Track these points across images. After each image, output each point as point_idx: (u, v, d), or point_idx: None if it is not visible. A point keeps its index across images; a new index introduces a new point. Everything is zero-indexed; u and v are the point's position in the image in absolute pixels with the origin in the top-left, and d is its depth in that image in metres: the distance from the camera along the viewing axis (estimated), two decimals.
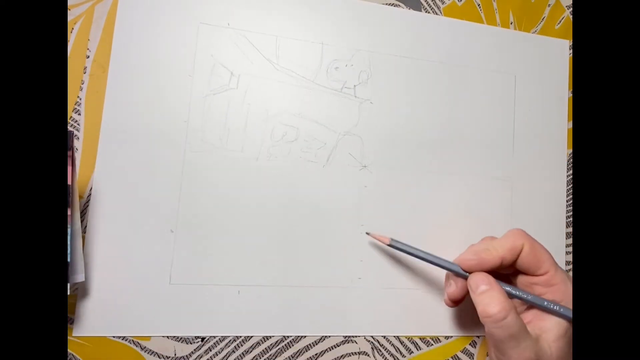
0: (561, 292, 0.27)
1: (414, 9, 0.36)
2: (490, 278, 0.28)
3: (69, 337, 0.29)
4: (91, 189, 0.29)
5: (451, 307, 0.31)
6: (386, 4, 0.35)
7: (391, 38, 0.35)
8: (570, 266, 0.37)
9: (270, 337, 0.31)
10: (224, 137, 0.31)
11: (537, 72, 0.38)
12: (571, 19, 0.39)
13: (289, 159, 0.32)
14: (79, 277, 0.27)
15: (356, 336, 0.32)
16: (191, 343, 0.30)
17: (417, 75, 0.35)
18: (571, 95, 0.39)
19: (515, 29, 0.38)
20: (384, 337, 0.33)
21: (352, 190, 0.33)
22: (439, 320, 0.34)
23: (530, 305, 0.28)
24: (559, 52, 0.39)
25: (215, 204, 0.31)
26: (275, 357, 0.31)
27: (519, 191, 0.37)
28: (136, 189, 0.30)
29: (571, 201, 0.38)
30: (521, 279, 0.29)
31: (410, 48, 0.35)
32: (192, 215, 0.30)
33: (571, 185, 0.38)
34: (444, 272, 0.32)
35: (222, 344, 0.30)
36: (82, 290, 0.29)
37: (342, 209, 0.33)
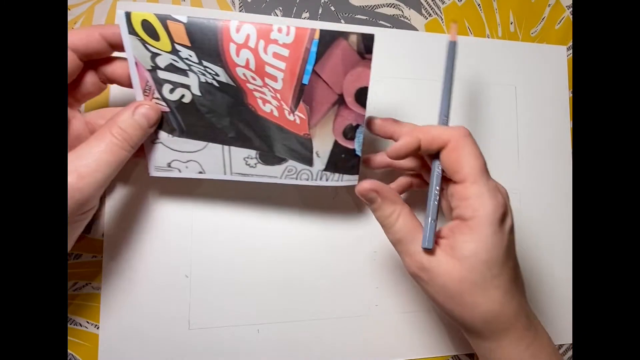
0: (471, 208, 0.23)
1: (414, 10, 0.36)
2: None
3: (69, 337, 0.29)
4: (103, 234, 0.29)
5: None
6: (385, 4, 0.35)
7: (387, 60, 0.35)
8: None
9: None
10: None
11: (537, 81, 0.38)
12: (571, 19, 0.39)
13: (299, 187, 0.32)
14: None
15: None
16: None
17: (416, 95, 0.35)
18: (571, 96, 0.39)
19: (515, 29, 0.38)
20: None
21: (364, 216, 0.33)
22: (462, 339, 0.33)
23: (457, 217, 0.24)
24: (556, 59, 0.39)
25: (227, 244, 0.31)
26: None
27: (527, 203, 0.36)
28: (148, 237, 0.30)
29: None
30: (449, 189, 0.26)
31: (409, 69, 0.35)
32: (205, 258, 0.30)
33: None
34: None
35: None
36: (104, 341, 0.29)
37: (354, 236, 0.33)
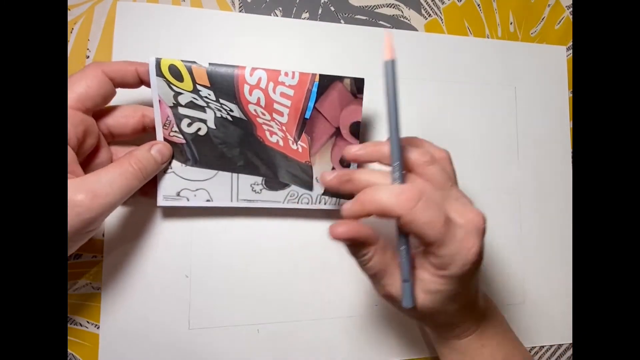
0: (442, 263, 0.23)
1: (414, 10, 0.36)
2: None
3: (69, 337, 0.29)
4: (103, 234, 0.29)
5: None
6: (385, 5, 0.35)
7: None
8: None
9: None
10: None
11: (537, 82, 0.38)
12: (571, 19, 0.39)
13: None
14: None
15: None
16: None
17: (415, 96, 0.35)
18: (571, 98, 0.39)
19: (515, 29, 0.38)
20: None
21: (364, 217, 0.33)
22: None
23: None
24: (556, 59, 0.39)
25: (227, 244, 0.31)
26: None
27: (526, 202, 0.36)
28: (148, 237, 0.30)
29: None
30: None
31: (407, 69, 0.35)
32: (205, 258, 0.30)
33: None
34: None
35: None
36: (104, 341, 0.29)
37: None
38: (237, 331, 0.30)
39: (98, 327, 0.29)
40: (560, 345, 0.36)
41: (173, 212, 0.30)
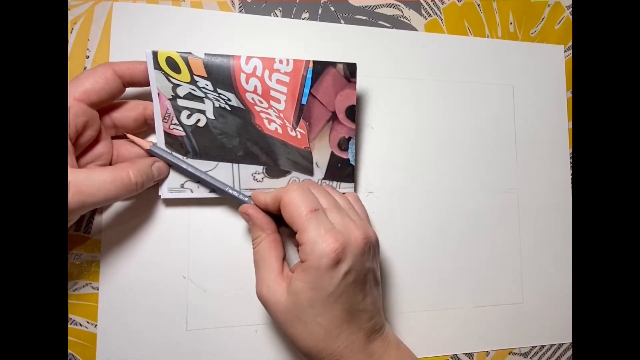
0: (304, 253, 0.24)
1: (414, 10, 0.36)
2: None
3: (69, 337, 0.29)
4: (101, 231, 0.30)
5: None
6: (385, 5, 0.35)
7: (387, 60, 0.35)
8: None
9: None
10: None
11: (535, 81, 0.38)
12: (571, 19, 0.39)
13: None
14: None
15: None
16: None
17: (415, 95, 0.35)
18: (569, 98, 0.39)
19: (515, 29, 0.38)
20: None
21: None
22: (464, 336, 0.34)
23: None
24: (554, 58, 0.39)
25: (225, 245, 0.31)
26: None
27: (525, 203, 0.36)
28: (146, 237, 0.30)
29: None
30: None
31: (407, 69, 0.35)
32: (203, 259, 0.30)
33: None
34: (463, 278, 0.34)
35: None
36: (102, 341, 0.29)
37: None
38: (235, 332, 0.30)
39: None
40: (560, 345, 0.36)
41: (171, 213, 0.30)
